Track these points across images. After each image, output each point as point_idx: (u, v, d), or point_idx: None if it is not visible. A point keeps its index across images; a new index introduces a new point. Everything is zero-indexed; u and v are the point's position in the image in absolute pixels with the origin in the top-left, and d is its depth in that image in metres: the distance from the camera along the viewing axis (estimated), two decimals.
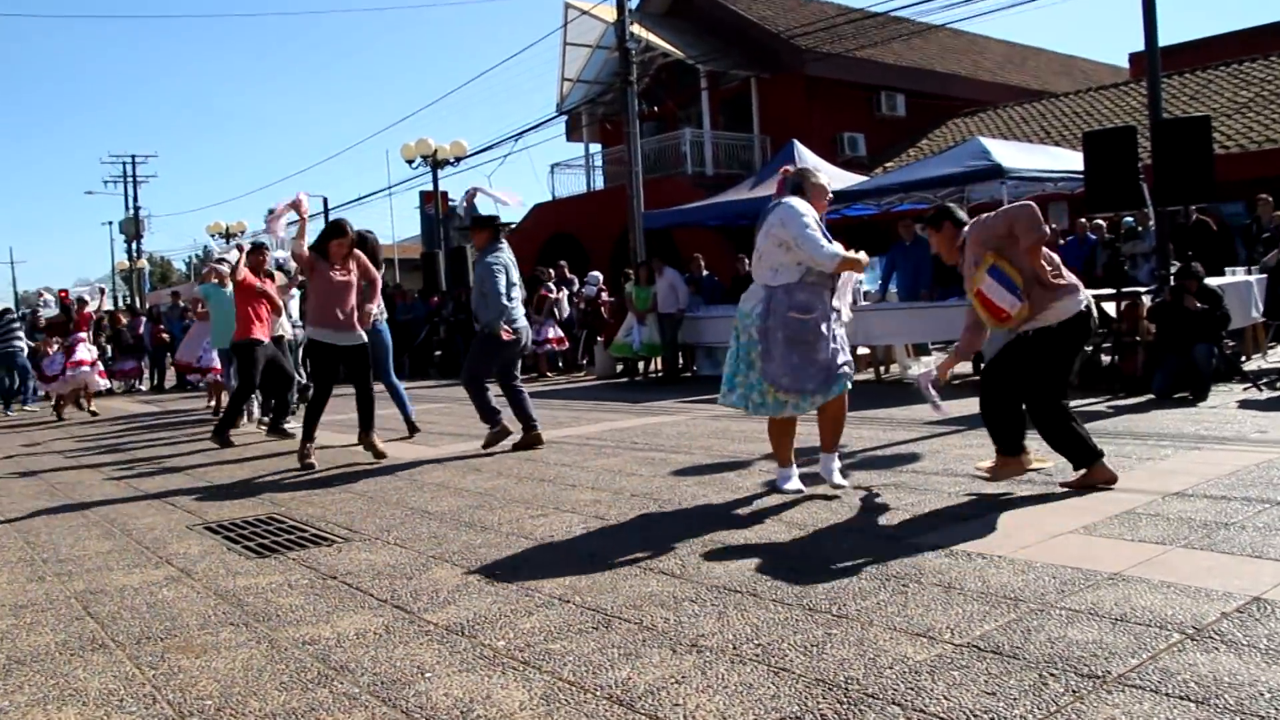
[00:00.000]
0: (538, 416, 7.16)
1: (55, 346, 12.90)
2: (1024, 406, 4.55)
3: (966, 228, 4.63)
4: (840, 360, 4.61)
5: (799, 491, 4.75)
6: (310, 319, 6.85)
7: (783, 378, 4.50)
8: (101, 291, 14.00)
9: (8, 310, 14.39)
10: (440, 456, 6.96)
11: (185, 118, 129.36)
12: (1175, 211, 9.77)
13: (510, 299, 6.82)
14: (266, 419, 9.55)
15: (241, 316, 8.48)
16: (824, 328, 4.55)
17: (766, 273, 4.60)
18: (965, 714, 2.25)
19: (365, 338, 6.97)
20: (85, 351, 12.81)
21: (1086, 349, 9.09)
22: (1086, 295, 4.49)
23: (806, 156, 13.53)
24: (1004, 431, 4.58)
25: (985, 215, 4.60)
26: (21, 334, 13.71)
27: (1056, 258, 4.57)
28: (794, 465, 4.87)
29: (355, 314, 6.85)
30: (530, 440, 7.04)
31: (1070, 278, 4.50)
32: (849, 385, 4.72)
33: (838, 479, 4.79)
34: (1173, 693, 2.28)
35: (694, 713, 2.36)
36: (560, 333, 14.82)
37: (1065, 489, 4.48)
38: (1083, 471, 4.47)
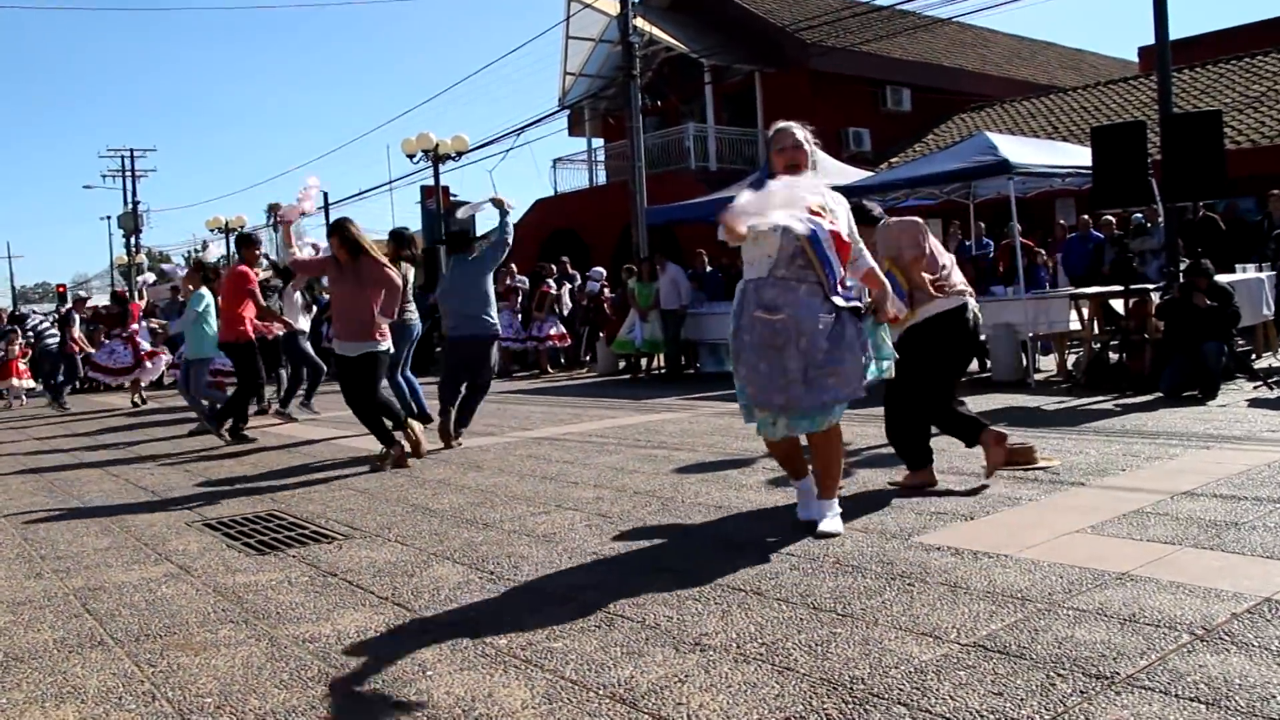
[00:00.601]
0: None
1: (110, 337, 13.26)
2: (921, 412, 4.70)
3: (877, 228, 4.69)
4: (828, 381, 3.73)
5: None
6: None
7: (749, 385, 3.83)
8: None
9: (24, 314, 14.69)
10: (440, 453, 6.93)
11: (184, 111, 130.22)
12: (1184, 208, 9.71)
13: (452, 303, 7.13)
14: (276, 407, 9.60)
15: (227, 315, 8.24)
16: (800, 333, 3.70)
17: (745, 268, 3.98)
18: (972, 714, 2.22)
19: (373, 348, 6.24)
20: (149, 342, 13.18)
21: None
22: (968, 300, 4.67)
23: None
24: (906, 445, 4.73)
25: (891, 221, 4.77)
26: (54, 331, 14.15)
27: (950, 265, 4.73)
28: (810, 477, 4.09)
29: (358, 322, 6.16)
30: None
31: (958, 285, 4.67)
32: (841, 413, 3.91)
33: (829, 525, 3.90)
34: (1182, 694, 2.25)
35: (697, 712, 2.33)
36: (562, 329, 14.80)
37: (893, 486, 4.76)
38: (907, 474, 4.75)
